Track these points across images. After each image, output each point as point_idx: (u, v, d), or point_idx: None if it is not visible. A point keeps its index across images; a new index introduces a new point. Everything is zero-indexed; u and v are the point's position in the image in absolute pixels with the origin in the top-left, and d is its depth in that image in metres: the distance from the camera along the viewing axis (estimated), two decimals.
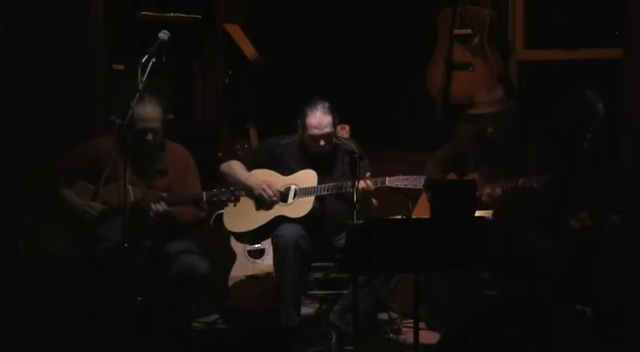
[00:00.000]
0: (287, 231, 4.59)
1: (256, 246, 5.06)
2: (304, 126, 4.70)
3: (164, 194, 4.43)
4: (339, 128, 4.86)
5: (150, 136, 4.44)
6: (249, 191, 4.72)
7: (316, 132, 4.67)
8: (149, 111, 4.43)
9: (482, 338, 4.43)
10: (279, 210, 4.71)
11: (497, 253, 4.37)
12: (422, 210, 4.80)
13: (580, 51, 5.38)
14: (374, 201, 4.72)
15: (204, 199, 4.46)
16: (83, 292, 4.40)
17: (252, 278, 5.04)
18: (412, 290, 3.78)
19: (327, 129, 4.67)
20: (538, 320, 4.53)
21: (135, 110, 4.29)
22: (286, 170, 4.79)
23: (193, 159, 4.70)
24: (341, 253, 4.01)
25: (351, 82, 5.80)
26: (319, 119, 4.66)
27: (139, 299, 4.39)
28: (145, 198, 4.41)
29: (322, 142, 4.67)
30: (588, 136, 4.65)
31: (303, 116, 4.69)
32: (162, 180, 4.55)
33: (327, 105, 4.68)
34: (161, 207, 4.38)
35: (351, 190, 4.29)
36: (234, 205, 4.49)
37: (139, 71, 3.96)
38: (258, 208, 4.76)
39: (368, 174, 4.56)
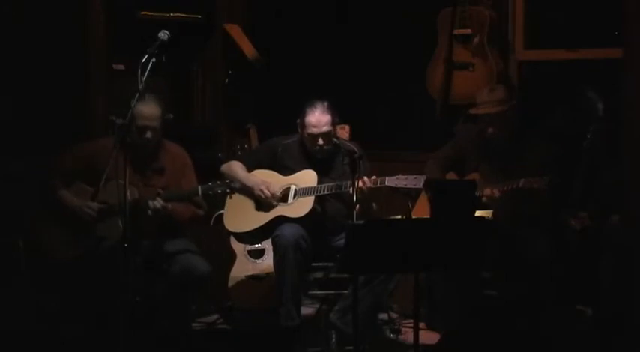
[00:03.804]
0: (287, 231, 4.59)
1: (256, 246, 5.06)
2: (302, 125, 4.71)
3: (160, 190, 4.44)
4: (339, 128, 4.86)
5: (149, 134, 4.45)
6: (249, 191, 4.72)
7: (314, 131, 4.67)
8: (151, 109, 4.44)
9: (482, 338, 4.43)
10: (279, 210, 4.71)
11: (497, 253, 4.37)
12: (422, 210, 4.80)
13: (580, 51, 5.38)
14: (374, 205, 4.73)
15: (200, 193, 4.46)
16: (83, 292, 4.40)
17: (252, 278, 5.04)
18: (412, 290, 3.78)
19: (325, 128, 4.67)
20: (538, 320, 4.53)
21: (136, 107, 4.30)
22: (286, 170, 4.79)
23: (193, 159, 4.71)
24: (341, 253, 4.01)
25: (351, 82, 5.80)
26: (318, 118, 4.66)
27: (139, 299, 4.39)
28: (143, 196, 4.42)
29: (320, 141, 4.68)
30: (588, 136, 4.65)
31: (302, 115, 4.70)
32: (160, 179, 4.55)
33: (326, 104, 4.69)
34: (158, 203, 4.38)
35: (350, 190, 4.29)
36: (230, 197, 4.50)
37: (139, 71, 3.96)
38: (258, 208, 4.76)
39: (368, 181, 4.54)
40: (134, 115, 4.33)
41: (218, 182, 4.45)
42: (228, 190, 4.43)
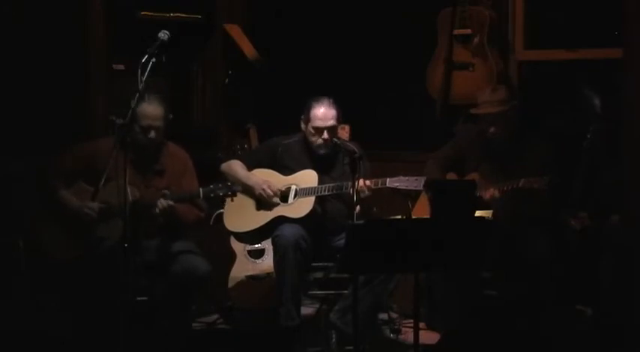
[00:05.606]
0: (287, 231, 4.59)
1: (256, 246, 5.06)
2: (308, 119, 4.70)
3: (166, 191, 4.44)
4: (339, 128, 4.86)
5: (153, 134, 4.45)
6: (249, 191, 4.72)
7: (320, 124, 4.67)
8: (154, 109, 4.44)
9: (482, 338, 4.43)
10: (279, 210, 4.71)
11: (497, 253, 4.37)
12: (422, 210, 4.80)
13: (580, 51, 5.38)
14: (374, 208, 4.73)
15: (202, 195, 4.45)
16: (83, 292, 4.40)
17: (252, 278, 5.04)
18: (412, 290, 3.78)
19: (331, 122, 4.67)
20: (538, 320, 4.53)
21: (140, 107, 4.31)
22: (287, 170, 4.78)
23: (193, 159, 4.70)
24: (341, 253, 4.01)
25: (351, 82, 5.80)
26: (324, 112, 4.67)
27: (139, 299, 4.39)
28: (144, 197, 4.42)
29: (325, 135, 4.67)
30: (588, 136, 4.66)
31: (308, 108, 4.70)
32: (161, 180, 4.55)
33: (332, 100, 4.70)
34: (165, 202, 4.38)
35: (351, 191, 4.29)
36: (232, 200, 4.49)
37: (139, 71, 3.96)
38: (258, 208, 4.76)
39: (368, 182, 4.54)
40: (137, 115, 4.34)
41: (220, 184, 4.44)
42: (229, 193, 4.42)
